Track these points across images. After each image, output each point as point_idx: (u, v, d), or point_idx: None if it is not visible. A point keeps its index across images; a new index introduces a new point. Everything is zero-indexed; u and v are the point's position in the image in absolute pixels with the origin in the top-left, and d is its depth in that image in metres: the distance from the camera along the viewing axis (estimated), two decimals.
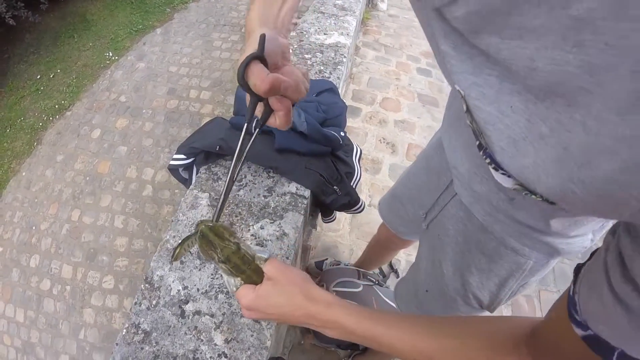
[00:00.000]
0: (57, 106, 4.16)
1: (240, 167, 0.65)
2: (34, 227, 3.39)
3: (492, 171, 0.45)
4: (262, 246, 1.09)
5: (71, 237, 3.22)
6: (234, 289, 0.64)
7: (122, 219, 3.20)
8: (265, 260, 0.63)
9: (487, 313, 0.95)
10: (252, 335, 1.02)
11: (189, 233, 0.70)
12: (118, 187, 3.34)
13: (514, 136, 0.36)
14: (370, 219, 2.51)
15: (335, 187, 1.30)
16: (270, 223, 1.13)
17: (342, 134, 1.33)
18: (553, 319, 0.44)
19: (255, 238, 1.11)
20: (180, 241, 0.62)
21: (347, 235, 2.45)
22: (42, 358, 2.99)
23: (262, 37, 0.57)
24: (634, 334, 0.32)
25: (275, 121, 0.61)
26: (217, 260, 0.60)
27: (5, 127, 4.30)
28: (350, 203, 1.39)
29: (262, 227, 1.12)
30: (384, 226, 1.51)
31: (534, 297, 2.25)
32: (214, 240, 0.59)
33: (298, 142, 1.22)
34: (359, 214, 2.49)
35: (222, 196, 0.64)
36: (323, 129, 1.26)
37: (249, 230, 1.12)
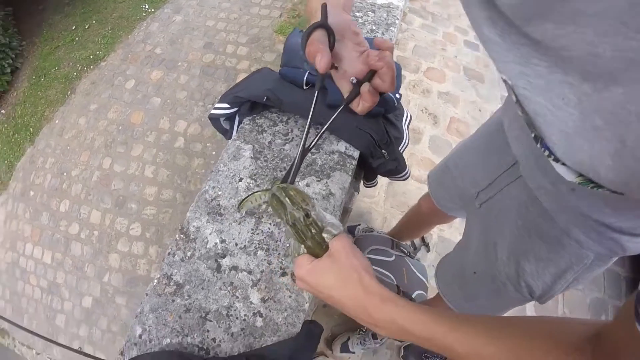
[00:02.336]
0: (91, 57, 4.14)
1: (308, 130, 0.65)
2: (65, 174, 3.44)
3: (553, 163, 0.43)
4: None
5: (101, 184, 3.25)
6: (296, 254, 0.61)
7: (152, 168, 3.20)
8: (335, 235, 0.59)
9: (532, 306, 0.91)
10: (290, 297, 0.96)
11: (258, 189, 0.67)
12: (150, 137, 3.33)
13: (567, 129, 0.35)
14: (407, 189, 2.45)
15: (383, 150, 1.23)
16: (317, 181, 1.06)
17: (397, 95, 1.24)
18: (620, 319, 0.41)
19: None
20: (250, 193, 0.63)
21: (381, 202, 2.41)
22: (66, 298, 3.09)
23: (324, 6, 0.57)
24: None
25: (358, 106, 0.61)
26: (284, 221, 0.59)
27: (39, 76, 4.34)
28: (398, 169, 1.32)
29: (307, 185, 1.06)
30: (428, 199, 1.45)
31: (558, 295, 2.13)
32: (285, 202, 0.58)
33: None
34: (396, 183, 2.43)
35: (298, 158, 0.63)
36: None
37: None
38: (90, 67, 4.08)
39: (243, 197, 0.64)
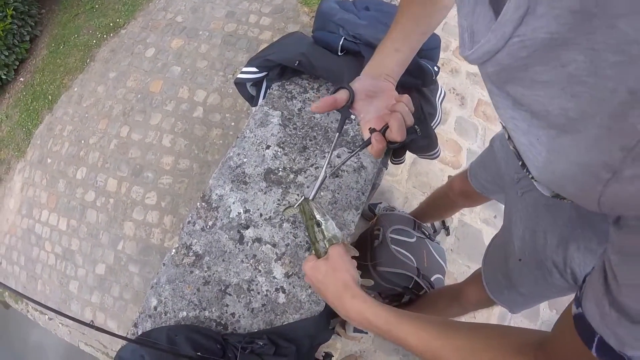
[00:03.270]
0: (111, 24, 4.07)
1: (331, 153, 0.81)
2: (82, 141, 3.41)
3: (534, 182, 0.55)
4: (336, 176, 0.97)
5: (118, 152, 3.21)
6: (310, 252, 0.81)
7: (170, 138, 3.15)
8: (334, 244, 0.74)
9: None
10: None
11: (289, 204, 0.94)
12: (169, 106, 3.27)
13: (537, 164, 0.44)
14: (430, 170, 2.38)
15: (416, 126, 1.15)
16: (349, 152, 1.00)
17: (435, 68, 1.16)
18: (559, 327, 0.48)
19: (330, 166, 0.98)
20: (287, 206, 0.86)
21: (404, 182, 2.34)
22: (80, 265, 3.10)
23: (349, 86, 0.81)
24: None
25: (372, 149, 0.76)
26: (305, 226, 0.78)
27: (58, 43, 4.29)
28: (429, 147, 1.26)
29: (338, 156, 0.99)
30: (462, 179, 1.38)
31: None
32: (305, 210, 0.75)
33: None
34: (419, 163, 2.36)
35: (319, 181, 0.79)
36: (418, 58, 1.10)
37: (324, 157, 0.99)
38: (110, 34, 4.01)
39: (283, 210, 0.88)
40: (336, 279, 0.70)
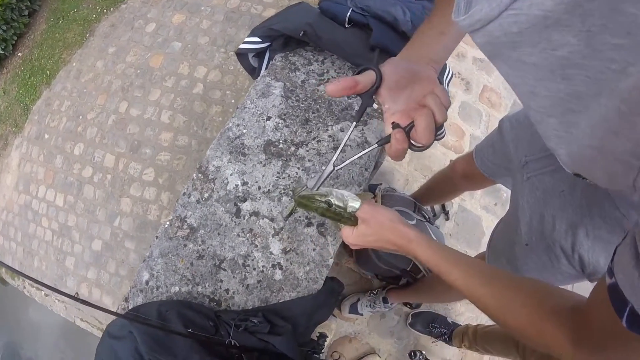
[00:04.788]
0: None
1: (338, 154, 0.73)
2: (80, 117, 3.37)
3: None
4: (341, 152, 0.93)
5: (117, 128, 3.17)
6: (338, 229, 0.80)
7: (169, 114, 3.10)
8: (357, 208, 0.73)
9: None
10: (314, 250, 0.88)
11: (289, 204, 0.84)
12: (168, 82, 3.21)
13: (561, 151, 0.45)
14: (432, 153, 2.36)
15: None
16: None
17: None
18: (595, 297, 0.48)
19: (333, 140, 0.94)
20: (289, 212, 0.77)
21: (405, 164, 2.32)
22: (76, 241, 3.09)
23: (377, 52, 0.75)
24: None
25: (390, 148, 0.66)
26: (318, 214, 0.74)
27: (57, 18, 4.22)
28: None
29: (342, 130, 0.96)
30: (466, 161, 1.36)
31: None
32: (308, 205, 0.72)
33: (396, 43, 1.03)
34: None
35: (325, 174, 0.74)
36: None
37: (327, 130, 0.95)
38: (110, 9, 3.93)
39: (285, 216, 0.80)
40: (383, 232, 0.72)
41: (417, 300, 1.98)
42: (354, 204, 0.73)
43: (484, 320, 2.18)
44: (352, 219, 0.73)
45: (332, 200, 0.71)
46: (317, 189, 0.73)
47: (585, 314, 0.49)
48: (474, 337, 1.71)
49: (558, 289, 0.59)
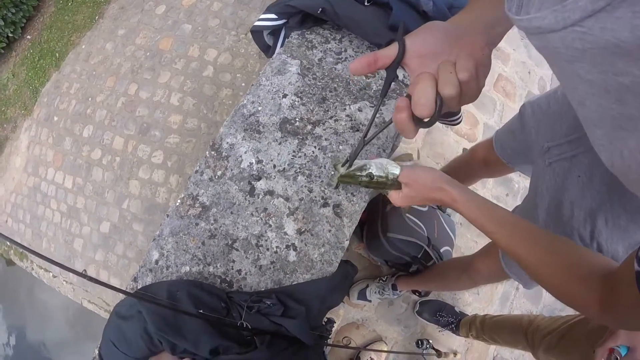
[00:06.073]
0: None
1: (368, 129, 0.73)
2: (89, 99, 3.34)
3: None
4: (356, 130, 0.90)
5: (126, 111, 3.15)
6: (386, 194, 0.82)
7: (178, 96, 3.07)
8: (397, 174, 0.77)
9: None
10: (329, 231, 0.86)
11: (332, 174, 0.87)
12: (178, 64, 3.17)
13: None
14: (445, 140, 2.32)
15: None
16: (371, 107, 0.93)
17: None
18: (622, 274, 0.51)
19: (351, 120, 0.91)
20: (335, 185, 0.83)
21: (417, 150, 2.27)
22: (85, 223, 3.09)
23: (403, 24, 0.63)
24: None
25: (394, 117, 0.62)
26: (363, 187, 0.80)
27: (67, 0, 4.18)
28: (451, 111, 1.18)
29: (359, 110, 0.93)
30: (484, 147, 1.35)
31: None
32: (350, 181, 0.77)
33: (417, 24, 0.98)
34: (435, 132, 2.29)
35: (357, 148, 0.74)
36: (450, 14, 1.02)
37: (345, 110, 0.93)
38: None
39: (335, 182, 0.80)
40: (426, 193, 0.76)
41: (427, 288, 1.96)
42: (394, 170, 0.76)
43: (492, 310, 2.17)
44: (395, 184, 0.77)
45: (373, 172, 0.75)
46: (353, 164, 0.76)
47: (613, 289, 0.53)
48: (481, 327, 1.70)
49: (591, 255, 0.64)
